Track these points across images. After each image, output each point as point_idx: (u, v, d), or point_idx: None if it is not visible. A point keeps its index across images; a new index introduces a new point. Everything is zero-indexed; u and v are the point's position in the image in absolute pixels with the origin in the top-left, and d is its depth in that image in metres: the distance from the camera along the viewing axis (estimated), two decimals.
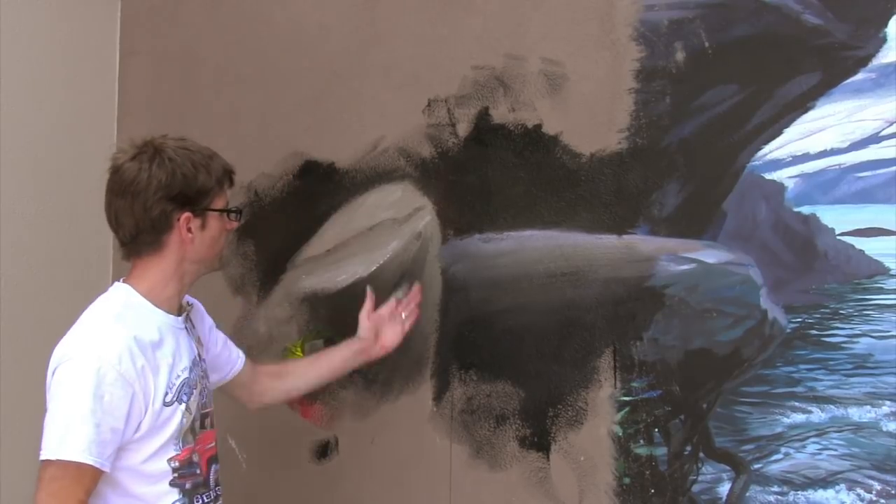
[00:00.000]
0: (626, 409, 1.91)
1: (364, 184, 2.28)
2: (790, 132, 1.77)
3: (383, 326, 2.09)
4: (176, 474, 1.67)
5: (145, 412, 1.62)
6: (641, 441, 1.89)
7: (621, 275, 1.91)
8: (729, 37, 1.83)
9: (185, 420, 1.68)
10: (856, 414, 1.68)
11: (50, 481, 1.57)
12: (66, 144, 2.61)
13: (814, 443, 1.71)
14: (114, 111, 2.76)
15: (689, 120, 1.87)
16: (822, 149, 1.74)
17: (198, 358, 1.76)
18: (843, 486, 1.69)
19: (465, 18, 2.15)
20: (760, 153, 1.79)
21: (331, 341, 2.30)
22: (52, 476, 1.56)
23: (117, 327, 1.63)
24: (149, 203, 1.65)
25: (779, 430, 1.74)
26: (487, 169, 2.10)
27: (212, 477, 1.76)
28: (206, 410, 1.77)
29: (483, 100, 2.12)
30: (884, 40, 1.69)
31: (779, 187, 1.77)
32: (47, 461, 1.57)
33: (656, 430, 1.87)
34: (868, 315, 1.68)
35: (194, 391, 1.72)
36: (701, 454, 1.82)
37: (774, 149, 1.78)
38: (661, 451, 1.87)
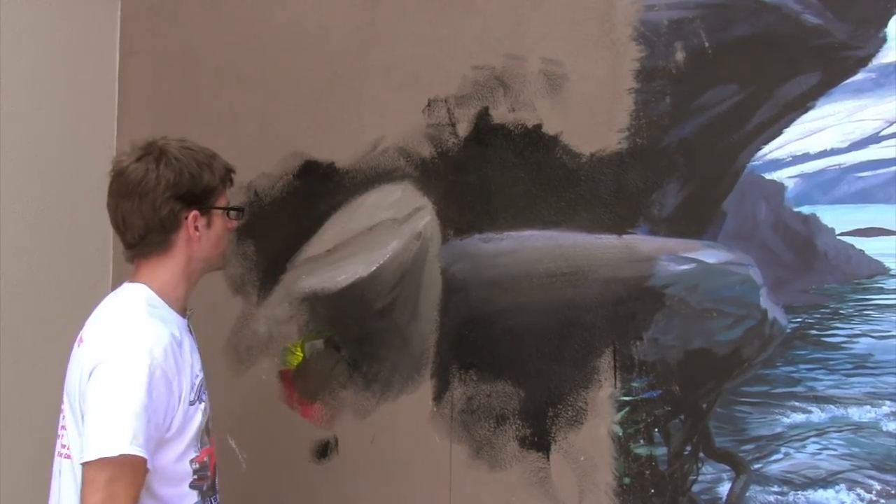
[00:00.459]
0: (626, 409, 1.91)
1: (364, 184, 2.28)
2: (790, 132, 1.77)
3: None
4: (196, 476, 1.69)
5: (177, 410, 1.64)
6: (641, 441, 1.89)
7: (621, 275, 1.91)
8: (729, 37, 1.83)
9: (203, 419, 1.70)
10: (856, 414, 1.68)
11: (109, 482, 1.53)
12: (66, 144, 2.61)
13: (814, 443, 1.71)
14: (114, 111, 2.76)
15: (689, 120, 1.87)
16: (822, 149, 1.74)
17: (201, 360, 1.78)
18: (843, 486, 1.69)
19: (465, 18, 2.15)
20: (760, 153, 1.79)
21: (331, 341, 2.30)
22: (110, 477, 1.53)
23: (157, 324, 1.65)
24: (158, 202, 1.67)
25: (779, 430, 1.74)
26: (487, 169, 2.10)
27: (217, 480, 1.78)
28: (210, 414, 1.78)
29: (483, 100, 2.12)
30: (884, 40, 1.69)
31: (779, 187, 1.77)
32: (101, 460, 1.53)
33: (656, 430, 1.87)
34: (868, 315, 1.68)
35: (206, 392, 1.74)
36: (701, 454, 1.82)
37: (774, 149, 1.78)
38: (661, 451, 1.87)
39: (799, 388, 1.73)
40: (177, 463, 1.66)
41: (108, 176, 1.73)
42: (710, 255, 1.83)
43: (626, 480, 1.90)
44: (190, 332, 1.77)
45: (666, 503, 1.85)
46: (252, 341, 2.42)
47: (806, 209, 1.75)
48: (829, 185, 1.73)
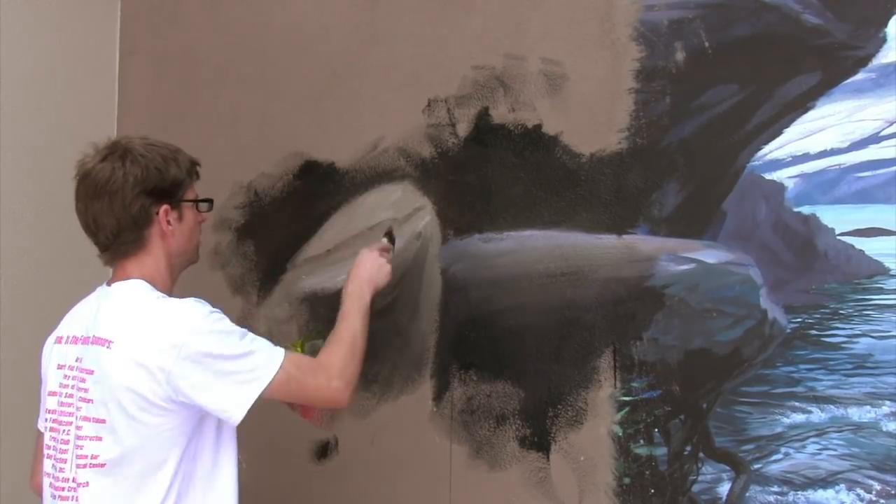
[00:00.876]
0: (626, 409, 1.91)
1: (364, 184, 2.28)
2: (790, 132, 1.76)
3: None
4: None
5: None
6: (641, 441, 1.88)
7: (621, 275, 1.91)
8: (729, 37, 1.83)
9: None
10: (856, 414, 1.68)
11: (298, 373, 1.68)
12: (66, 144, 2.60)
13: (814, 443, 1.71)
14: (114, 111, 2.76)
15: (689, 120, 1.87)
16: (822, 149, 1.74)
17: None
18: (843, 486, 1.69)
19: (465, 18, 2.15)
20: (760, 153, 1.79)
21: None
22: (289, 374, 1.67)
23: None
24: (128, 200, 1.68)
25: (779, 430, 1.74)
26: (487, 169, 2.10)
27: None
28: None
29: (483, 100, 2.12)
30: (884, 40, 1.69)
31: (779, 187, 1.77)
32: (274, 381, 1.64)
33: (656, 430, 1.87)
34: (868, 315, 1.68)
35: None
36: (701, 454, 1.82)
37: (774, 149, 1.78)
38: (661, 451, 1.87)
39: (799, 389, 1.73)
40: (228, 430, 1.75)
41: (73, 181, 1.74)
42: (710, 255, 1.83)
43: (626, 480, 1.90)
44: None
45: (666, 503, 1.85)
46: None
47: (806, 209, 1.75)
48: (829, 185, 1.73)
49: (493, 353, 2.07)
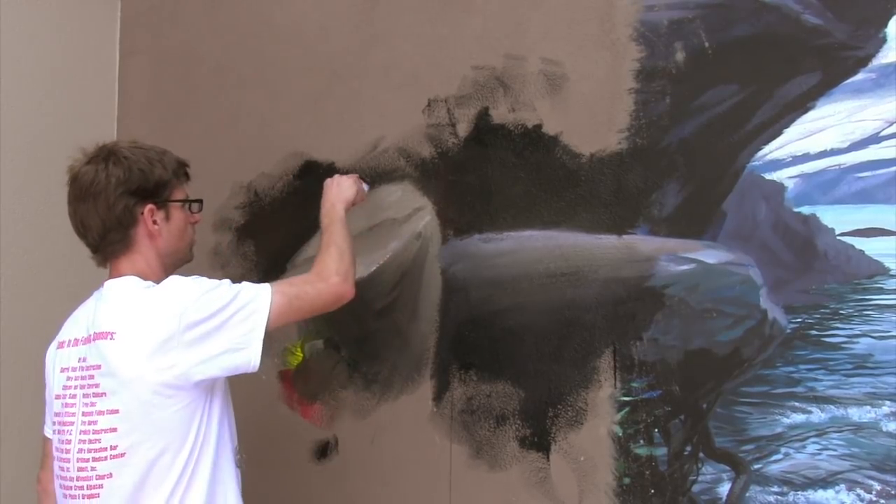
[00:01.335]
0: (626, 409, 1.91)
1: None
2: (790, 132, 1.77)
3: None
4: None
5: None
6: (641, 441, 1.88)
7: (621, 275, 1.91)
8: (729, 37, 1.83)
9: None
10: (856, 414, 1.68)
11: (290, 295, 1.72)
12: (66, 144, 2.60)
13: (814, 443, 1.71)
14: (114, 111, 2.76)
15: (689, 120, 1.87)
16: (822, 149, 1.74)
17: None
18: (843, 486, 1.69)
19: (465, 18, 2.15)
20: (760, 153, 1.79)
21: (330, 341, 2.30)
22: (281, 298, 1.70)
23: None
24: (111, 200, 1.72)
25: (779, 430, 1.74)
26: (487, 169, 2.10)
27: None
28: None
29: (483, 100, 2.11)
30: (884, 40, 1.69)
31: (779, 187, 1.77)
32: (273, 307, 1.68)
33: (656, 430, 1.87)
34: (868, 315, 1.68)
35: None
36: (701, 454, 1.82)
37: (774, 149, 1.78)
38: (661, 451, 1.87)
39: (799, 389, 1.73)
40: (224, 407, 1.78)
41: (66, 186, 1.77)
42: (710, 256, 1.83)
43: (626, 481, 1.90)
44: None
45: (666, 503, 1.85)
46: None
47: (806, 209, 1.75)
48: (829, 186, 1.73)
49: (493, 354, 2.07)
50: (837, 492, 1.69)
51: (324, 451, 2.30)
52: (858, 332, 1.69)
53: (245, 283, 1.72)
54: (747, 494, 1.77)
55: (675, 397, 1.86)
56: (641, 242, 1.90)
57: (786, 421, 1.74)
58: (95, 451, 1.66)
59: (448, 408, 2.12)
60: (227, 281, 1.72)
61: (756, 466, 1.76)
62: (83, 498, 1.68)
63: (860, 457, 1.68)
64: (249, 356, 1.66)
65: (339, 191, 2.02)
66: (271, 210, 2.44)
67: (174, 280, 1.71)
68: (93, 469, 1.67)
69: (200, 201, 1.88)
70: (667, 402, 1.86)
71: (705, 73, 1.85)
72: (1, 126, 2.45)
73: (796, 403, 1.73)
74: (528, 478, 2.01)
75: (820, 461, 1.71)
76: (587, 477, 1.94)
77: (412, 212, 2.20)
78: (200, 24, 2.61)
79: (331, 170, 2.32)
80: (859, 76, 1.71)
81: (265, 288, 1.71)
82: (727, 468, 1.79)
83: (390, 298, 2.20)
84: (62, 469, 1.71)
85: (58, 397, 1.75)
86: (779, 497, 1.74)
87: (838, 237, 1.72)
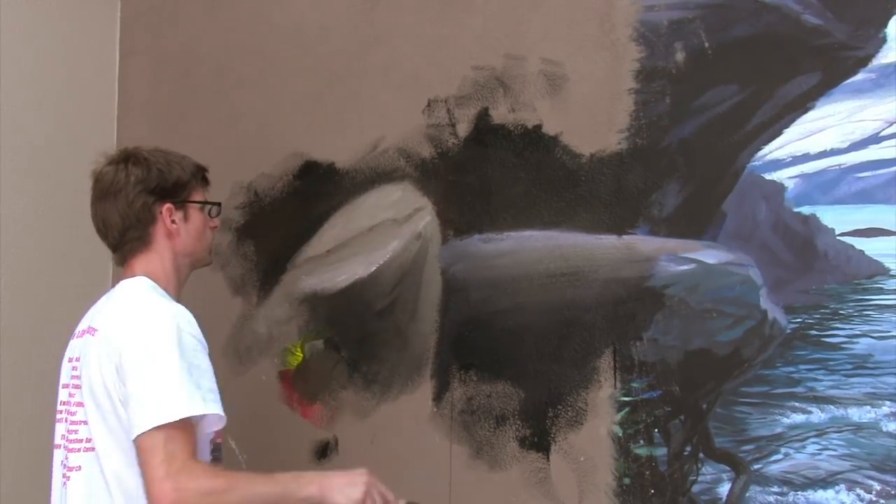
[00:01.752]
0: (626, 409, 1.91)
1: (364, 184, 2.28)
2: (790, 132, 1.76)
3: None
4: (212, 457, 1.72)
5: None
6: (641, 441, 1.88)
7: (621, 275, 1.91)
8: (729, 37, 1.83)
9: None
10: (856, 414, 1.68)
11: (165, 443, 1.52)
12: (66, 144, 2.61)
13: (814, 443, 1.71)
14: (114, 111, 2.76)
15: (689, 120, 1.87)
16: (822, 149, 1.74)
17: None
18: (843, 486, 1.69)
19: (465, 18, 2.15)
20: (760, 153, 1.79)
21: (330, 342, 2.30)
22: (167, 438, 1.53)
23: (172, 302, 1.71)
24: (130, 198, 1.75)
25: (779, 430, 1.74)
26: (487, 169, 2.09)
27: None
28: None
29: (483, 100, 2.12)
30: (884, 40, 1.69)
31: (779, 187, 1.77)
32: (157, 428, 1.53)
33: (656, 430, 1.87)
34: (868, 315, 1.68)
35: None
36: (701, 454, 1.82)
37: (774, 149, 1.78)
38: (661, 452, 1.87)
39: (799, 389, 1.73)
40: (202, 440, 1.65)
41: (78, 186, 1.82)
42: (710, 256, 1.83)
43: (626, 481, 1.90)
44: None
45: (666, 503, 1.85)
46: (252, 342, 2.41)
47: (806, 209, 1.75)
48: (829, 186, 1.73)
49: (493, 354, 2.07)
50: (837, 492, 1.69)
51: (324, 451, 2.30)
52: (858, 333, 1.68)
53: (198, 385, 1.59)
54: (747, 494, 1.77)
55: (675, 397, 1.86)
56: (641, 242, 1.90)
57: (786, 421, 1.74)
58: (74, 441, 1.70)
59: (448, 408, 2.12)
60: (207, 368, 1.63)
61: (756, 466, 1.76)
62: (63, 486, 1.72)
63: (860, 457, 1.67)
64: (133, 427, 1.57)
65: (346, 484, 1.70)
66: (271, 210, 2.44)
67: (171, 306, 1.68)
68: (69, 459, 1.70)
69: (219, 204, 1.90)
70: (667, 402, 1.86)
71: (705, 74, 1.85)
72: (1, 126, 2.45)
73: (796, 403, 1.73)
74: (528, 478, 2.01)
75: (820, 461, 1.71)
76: (587, 477, 1.94)
77: (412, 212, 2.20)
78: (200, 24, 2.61)
79: (331, 170, 2.32)
80: (859, 76, 1.71)
81: (190, 407, 1.56)
82: (727, 468, 1.79)
83: (390, 299, 2.20)
84: (64, 457, 1.74)
85: (64, 386, 1.78)
86: (779, 497, 1.74)
87: (838, 237, 1.71)
